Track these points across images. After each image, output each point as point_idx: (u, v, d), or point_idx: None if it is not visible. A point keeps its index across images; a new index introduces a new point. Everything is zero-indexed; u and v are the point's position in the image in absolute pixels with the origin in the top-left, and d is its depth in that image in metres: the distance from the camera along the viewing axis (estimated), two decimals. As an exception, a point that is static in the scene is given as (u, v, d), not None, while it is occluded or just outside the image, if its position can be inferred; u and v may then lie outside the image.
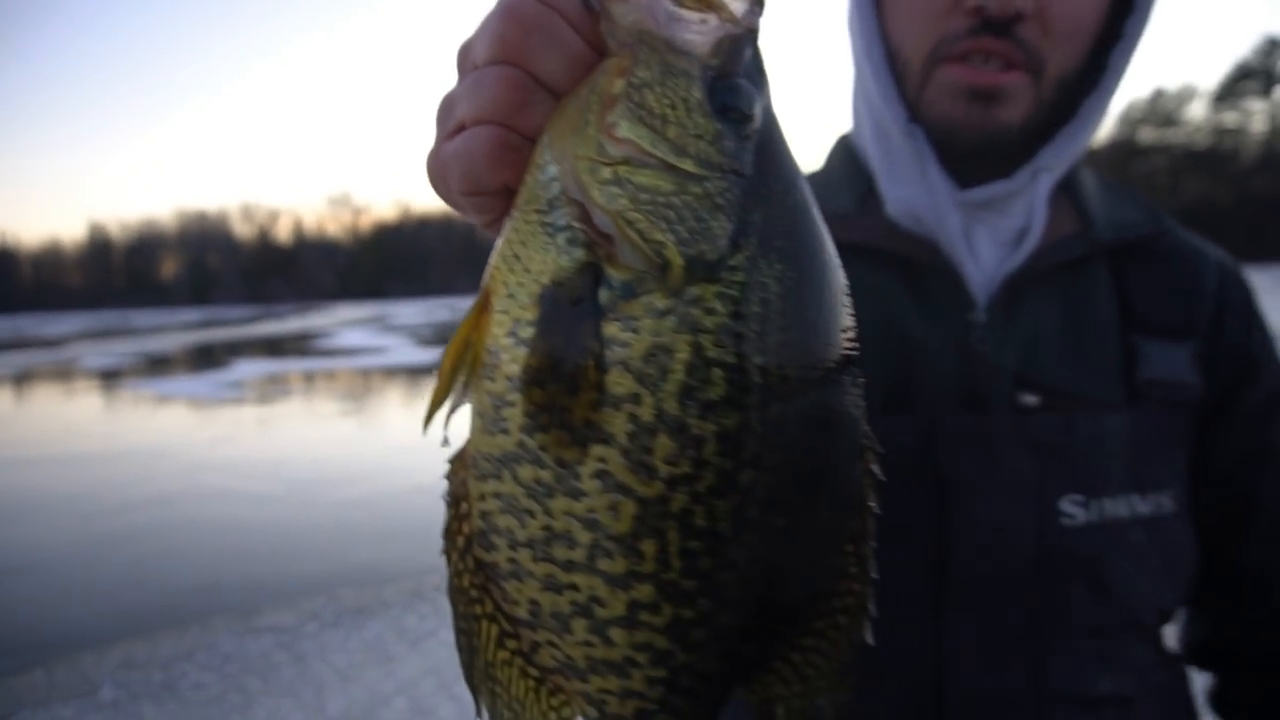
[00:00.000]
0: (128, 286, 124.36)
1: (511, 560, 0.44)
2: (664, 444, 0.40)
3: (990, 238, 0.88)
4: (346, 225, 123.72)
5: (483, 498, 0.44)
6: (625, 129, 0.41)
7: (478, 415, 0.44)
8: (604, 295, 0.41)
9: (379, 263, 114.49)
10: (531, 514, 0.43)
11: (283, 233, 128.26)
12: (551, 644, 0.45)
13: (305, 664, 4.31)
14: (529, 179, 0.43)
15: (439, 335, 29.66)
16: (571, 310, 0.41)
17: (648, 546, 0.41)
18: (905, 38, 0.86)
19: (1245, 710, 0.98)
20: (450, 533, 0.47)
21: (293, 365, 22.48)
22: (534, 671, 0.47)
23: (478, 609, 0.46)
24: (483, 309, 0.43)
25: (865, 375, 0.82)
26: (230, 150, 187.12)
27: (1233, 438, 0.92)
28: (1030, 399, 0.84)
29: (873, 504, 0.46)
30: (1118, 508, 0.84)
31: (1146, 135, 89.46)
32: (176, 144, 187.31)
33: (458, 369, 0.44)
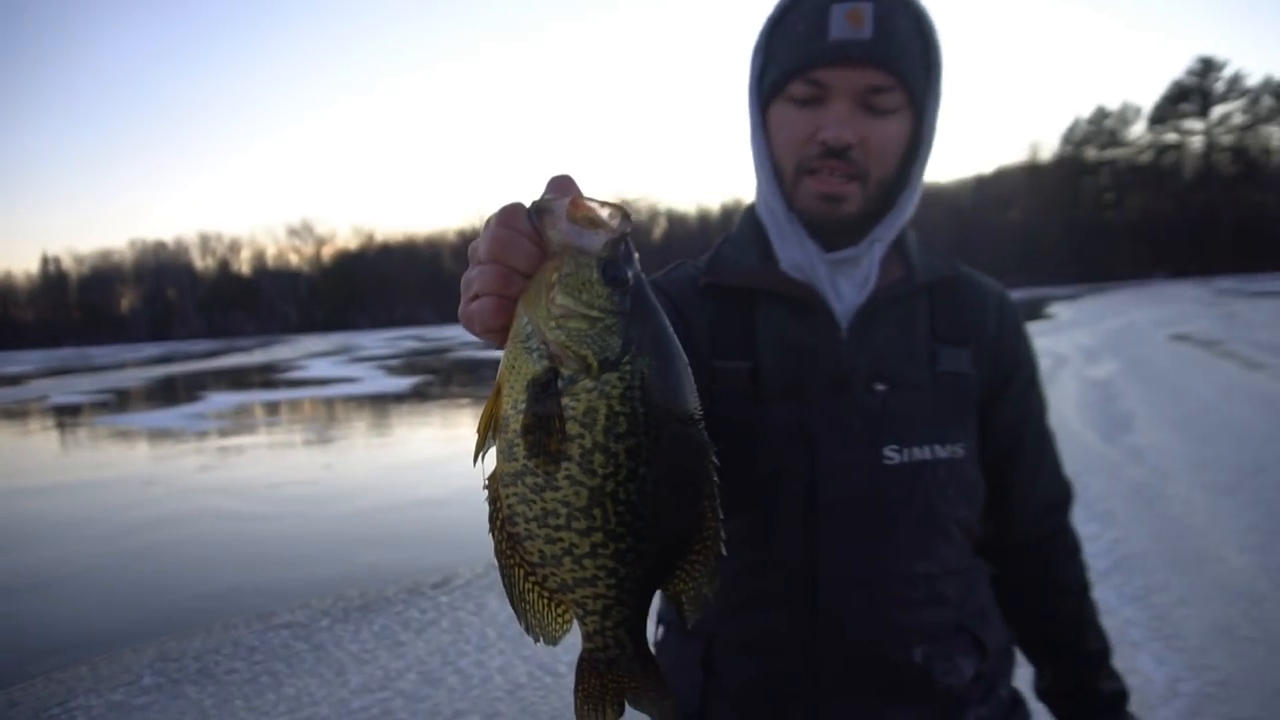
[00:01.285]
0: (84, 321, 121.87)
1: (527, 530, 0.70)
2: (598, 458, 0.67)
3: (848, 283, 1.22)
4: (308, 255, 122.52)
5: (507, 497, 0.71)
6: (560, 299, 0.67)
7: (500, 452, 0.71)
8: (560, 383, 0.68)
9: (342, 292, 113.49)
10: (534, 502, 0.69)
11: (243, 264, 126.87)
12: (553, 574, 0.72)
13: (323, 651, 4.88)
14: (515, 325, 0.69)
15: (408, 366, 29.99)
16: (544, 392, 0.68)
17: (596, 512, 0.68)
18: (782, 156, 1.20)
19: (1004, 584, 1.36)
20: (492, 519, 0.73)
21: (265, 396, 22.64)
22: (546, 593, 0.73)
23: (511, 561, 0.73)
24: (497, 394, 0.70)
25: (772, 375, 1.17)
26: (187, 180, 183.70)
27: (1006, 409, 1.28)
28: (880, 386, 1.19)
29: (715, 479, 0.71)
30: (923, 453, 1.18)
31: (1091, 154, 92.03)
32: (131, 173, 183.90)
33: (488, 427, 0.71)
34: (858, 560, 1.16)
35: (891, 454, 1.17)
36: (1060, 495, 1.40)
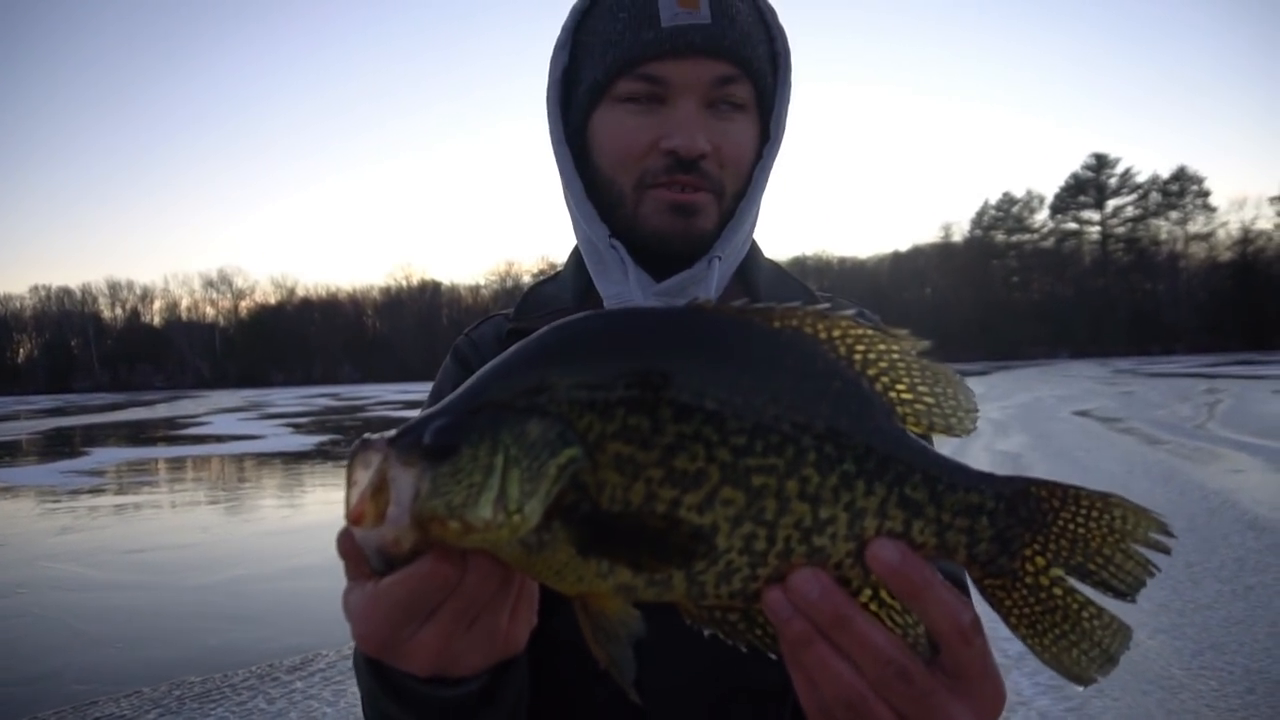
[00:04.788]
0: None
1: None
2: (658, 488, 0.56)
3: None
4: (224, 308, 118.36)
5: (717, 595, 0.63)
6: (484, 511, 0.53)
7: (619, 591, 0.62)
8: (583, 506, 0.59)
9: (259, 347, 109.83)
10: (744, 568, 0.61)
11: (154, 315, 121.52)
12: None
13: (142, 751, 4.18)
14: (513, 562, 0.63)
15: (318, 424, 28.72)
16: (595, 533, 0.58)
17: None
18: (615, 172, 1.03)
19: None
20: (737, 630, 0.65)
21: (157, 453, 21.27)
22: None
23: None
24: (585, 610, 0.62)
25: None
26: (97, 225, 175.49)
27: None
28: None
29: None
30: None
31: (999, 237, 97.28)
32: (35, 216, 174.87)
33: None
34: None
35: None
36: None
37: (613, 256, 1.05)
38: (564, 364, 0.55)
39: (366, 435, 0.55)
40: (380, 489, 0.52)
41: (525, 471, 0.53)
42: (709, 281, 1.06)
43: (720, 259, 1.06)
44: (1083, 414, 20.53)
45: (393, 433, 0.55)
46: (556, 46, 1.08)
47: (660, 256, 1.05)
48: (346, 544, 0.57)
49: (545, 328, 0.58)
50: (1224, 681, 4.39)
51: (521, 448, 0.53)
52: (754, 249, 1.16)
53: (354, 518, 0.53)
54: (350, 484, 0.54)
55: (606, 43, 1.01)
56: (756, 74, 1.02)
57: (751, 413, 0.55)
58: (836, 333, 0.57)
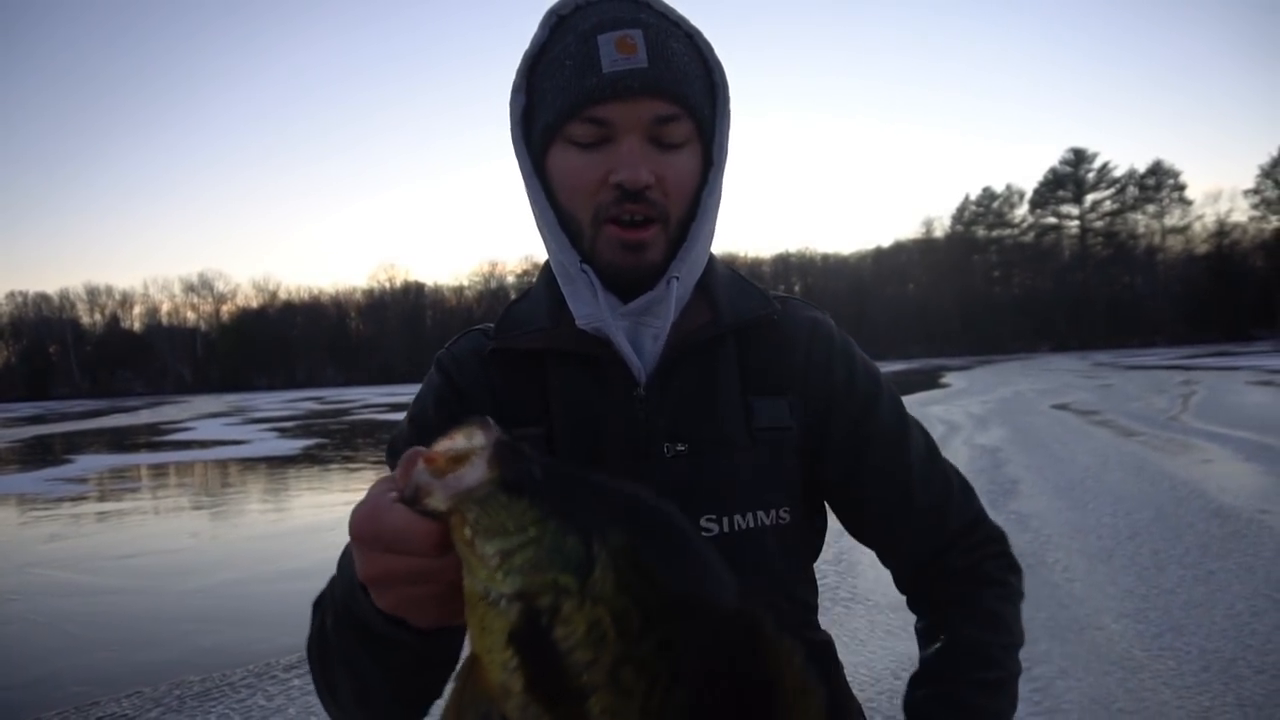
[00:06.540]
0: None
1: None
2: (628, 673, 0.55)
3: (649, 335, 1.19)
4: (206, 312, 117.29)
5: None
6: (489, 548, 0.58)
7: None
8: (544, 619, 0.56)
9: (241, 352, 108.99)
10: None
11: (134, 320, 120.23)
12: None
13: (146, 748, 4.31)
14: (467, 591, 0.60)
15: (303, 429, 28.69)
16: (533, 636, 0.56)
17: None
18: (573, 206, 1.13)
19: (921, 631, 1.26)
20: None
21: (141, 459, 21.21)
22: None
23: None
24: (470, 670, 0.60)
25: (566, 443, 1.10)
26: (75, 230, 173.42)
27: (838, 450, 1.18)
28: (680, 448, 1.11)
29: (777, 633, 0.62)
30: (745, 521, 1.10)
31: (980, 232, 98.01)
32: (10, 222, 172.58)
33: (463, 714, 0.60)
34: None
35: (709, 525, 1.09)
36: (961, 522, 1.23)
37: (583, 280, 1.16)
38: (629, 531, 0.60)
39: (488, 418, 0.64)
40: (460, 460, 0.61)
41: (533, 558, 0.58)
42: (669, 299, 1.17)
43: (678, 279, 1.17)
44: (1061, 407, 20.88)
45: (506, 436, 0.62)
46: (514, 90, 1.16)
47: (614, 281, 1.16)
48: (407, 463, 0.67)
49: (654, 501, 0.62)
50: (1181, 661, 4.61)
51: (549, 542, 0.58)
52: (711, 260, 1.26)
53: (429, 457, 0.63)
54: (450, 436, 0.63)
55: (556, 88, 1.10)
56: (694, 108, 1.12)
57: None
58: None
